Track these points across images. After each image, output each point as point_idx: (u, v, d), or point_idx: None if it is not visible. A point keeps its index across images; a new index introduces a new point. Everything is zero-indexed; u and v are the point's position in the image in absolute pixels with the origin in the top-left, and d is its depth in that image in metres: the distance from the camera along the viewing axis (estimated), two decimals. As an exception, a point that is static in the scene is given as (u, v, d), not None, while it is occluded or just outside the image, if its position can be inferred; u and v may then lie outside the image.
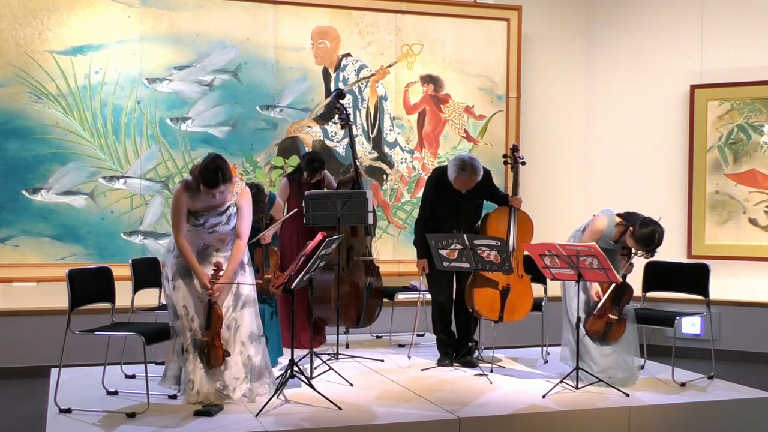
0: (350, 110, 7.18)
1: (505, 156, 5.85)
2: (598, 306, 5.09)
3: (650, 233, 4.91)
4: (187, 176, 4.77)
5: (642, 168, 7.68)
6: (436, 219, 5.70)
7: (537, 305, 5.71)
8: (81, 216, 6.49)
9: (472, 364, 5.52)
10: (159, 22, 6.66)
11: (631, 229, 4.99)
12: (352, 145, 6.38)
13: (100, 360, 5.11)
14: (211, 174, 4.42)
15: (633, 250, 5.07)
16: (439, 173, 5.72)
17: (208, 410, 4.37)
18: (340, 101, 6.32)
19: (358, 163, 6.39)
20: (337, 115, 6.41)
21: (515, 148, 5.82)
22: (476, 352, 5.69)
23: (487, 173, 5.67)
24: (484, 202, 5.82)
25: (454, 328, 5.83)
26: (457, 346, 5.72)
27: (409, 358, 5.88)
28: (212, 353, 4.56)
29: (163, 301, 4.96)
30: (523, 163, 5.79)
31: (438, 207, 5.68)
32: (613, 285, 5.05)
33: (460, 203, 5.62)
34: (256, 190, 5.21)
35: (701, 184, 7.40)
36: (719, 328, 7.06)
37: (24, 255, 6.34)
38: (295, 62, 7.04)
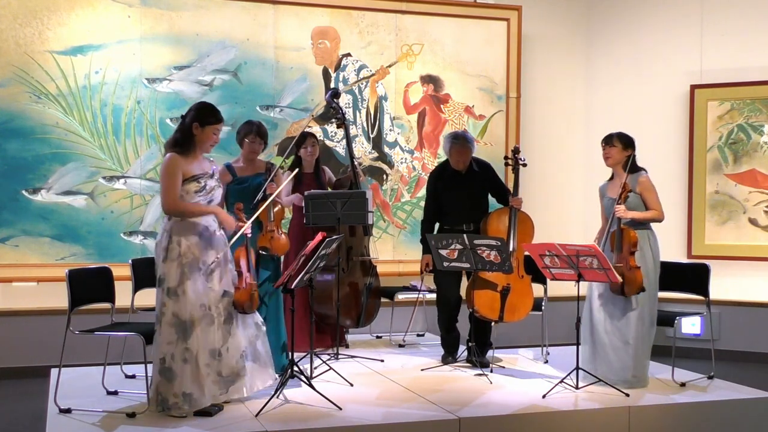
0: (350, 110, 7.19)
1: (506, 158, 5.87)
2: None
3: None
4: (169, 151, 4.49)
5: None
6: (443, 212, 5.80)
7: (537, 305, 5.71)
8: (81, 216, 6.49)
9: (485, 364, 5.53)
10: (159, 22, 6.66)
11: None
12: (348, 144, 6.38)
13: (100, 360, 5.11)
14: (215, 109, 4.55)
15: (622, 193, 5.02)
16: (439, 166, 5.98)
17: (208, 410, 4.37)
18: (335, 101, 6.31)
19: (355, 163, 6.39)
20: (333, 115, 6.41)
21: (516, 150, 5.84)
22: (490, 352, 5.70)
23: (488, 165, 5.91)
24: (490, 200, 5.85)
25: (457, 326, 5.84)
26: (476, 346, 5.70)
27: (404, 342, 5.93)
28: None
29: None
30: (524, 165, 5.81)
31: (442, 198, 5.79)
32: (608, 232, 5.03)
33: (464, 191, 5.71)
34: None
35: (701, 184, 7.40)
36: (719, 328, 7.06)
37: (24, 255, 6.34)
38: (295, 62, 7.04)
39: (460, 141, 5.71)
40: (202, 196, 4.45)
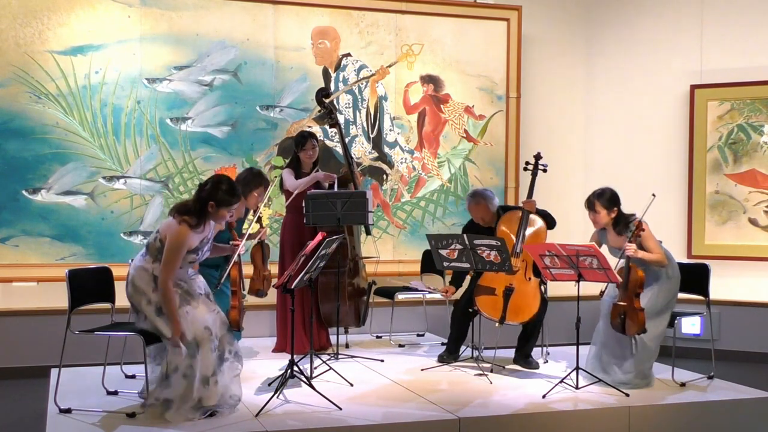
0: (350, 110, 7.20)
1: (527, 163, 5.81)
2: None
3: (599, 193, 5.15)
4: (172, 216, 4.34)
5: (642, 168, 7.69)
6: None
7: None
8: (81, 216, 6.49)
9: (531, 365, 5.60)
10: (159, 22, 6.66)
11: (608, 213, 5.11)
12: (343, 144, 6.36)
13: (100, 360, 5.11)
14: (233, 189, 4.38)
15: (635, 231, 4.95)
16: (469, 221, 5.98)
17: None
18: (325, 100, 6.29)
19: (353, 162, 6.38)
20: (326, 115, 6.38)
21: (539, 156, 5.80)
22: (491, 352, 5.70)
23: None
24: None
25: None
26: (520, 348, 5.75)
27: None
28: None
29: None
30: (545, 170, 5.79)
31: None
32: (616, 269, 4.97)
33: None
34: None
35: (701, 184, 7.40)
36: (719, 328, 7.05)
37: (24, 255, 6.34)
38: (295, 62, 7.04)
39: (474, 199, 5.81)
40: (192, 264, 4.43)
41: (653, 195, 5.07)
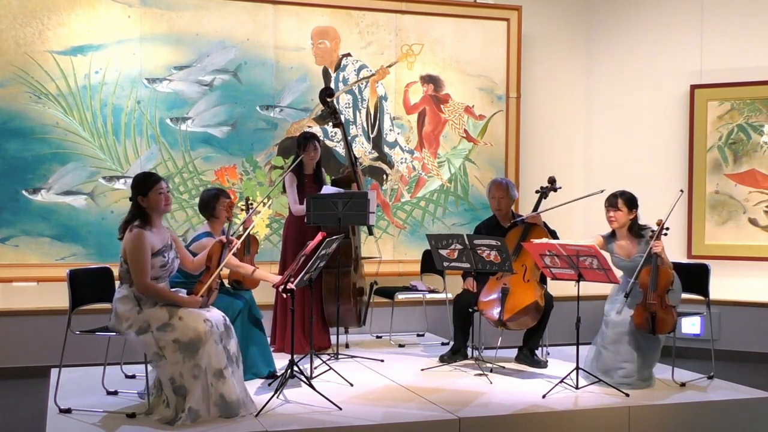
0: (350, 110, 7.20)
1: (542, 188, 5.82)
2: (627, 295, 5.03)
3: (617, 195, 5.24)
4: (123, 218, 4.44)
5: (642, 168, 7.69)
6: None
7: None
8: (81, 216, 6.49)
9: (537, 364, 5.63)
10: (159, 22, 6.66)
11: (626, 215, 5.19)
12: (347, 145, 6.35)
13: (100, 360, 5.11)
14: (145, 174, 4.53)
15: (660, 230, 5.01)
16: (480, 223, 6.11)
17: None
18: (328, 99, 6.29)
19: (354, 161, 6.38)
20: (329, 114, 6.36)
21: (553, 180, 5.84)
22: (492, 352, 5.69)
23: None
24: None
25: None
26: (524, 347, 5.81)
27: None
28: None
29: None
30: (555, 190, 5.83)
31: None
32: (639, 272, 4.97)
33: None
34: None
35: (701, 184, 7.40)
36: (719, 328, 7.05)
37: (24, 255, 6.34)
38: (295, 62, 7.04)
39: (496, 181, 5.99)
40: (165, 270, 4.39)
41: (681, 191, 5.11)
